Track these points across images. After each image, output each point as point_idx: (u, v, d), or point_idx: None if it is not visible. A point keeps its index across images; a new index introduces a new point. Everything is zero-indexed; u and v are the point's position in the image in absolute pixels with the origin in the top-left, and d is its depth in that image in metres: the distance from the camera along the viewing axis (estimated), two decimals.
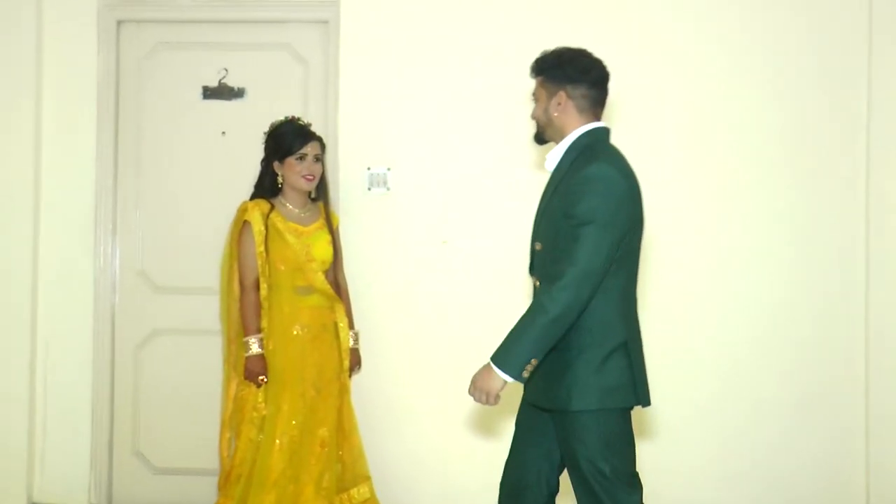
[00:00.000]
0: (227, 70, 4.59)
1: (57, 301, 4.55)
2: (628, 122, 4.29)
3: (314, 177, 4.04)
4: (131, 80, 4.62)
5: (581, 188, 2.82)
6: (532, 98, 3.07)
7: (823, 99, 4.44)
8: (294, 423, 3.96)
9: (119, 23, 4.59)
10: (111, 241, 4.60)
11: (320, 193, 4.14)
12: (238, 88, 4.59)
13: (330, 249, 4.10)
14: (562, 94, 2.96)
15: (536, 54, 3.04)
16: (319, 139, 4.08)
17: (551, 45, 4.31)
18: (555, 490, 3.07)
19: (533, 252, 3.05)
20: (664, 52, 4.44)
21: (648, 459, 4.43)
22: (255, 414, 3.98)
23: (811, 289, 4.44)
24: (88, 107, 4.56)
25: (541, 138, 3.07)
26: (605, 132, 3.00)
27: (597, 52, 3.03)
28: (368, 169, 4.48)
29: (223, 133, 4.59)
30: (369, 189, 4.48)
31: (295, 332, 4.00)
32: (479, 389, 2.85)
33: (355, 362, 4.18)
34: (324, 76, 4.55)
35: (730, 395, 4.44)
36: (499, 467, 4.43)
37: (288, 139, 4.00)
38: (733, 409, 4.45)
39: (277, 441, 3.93)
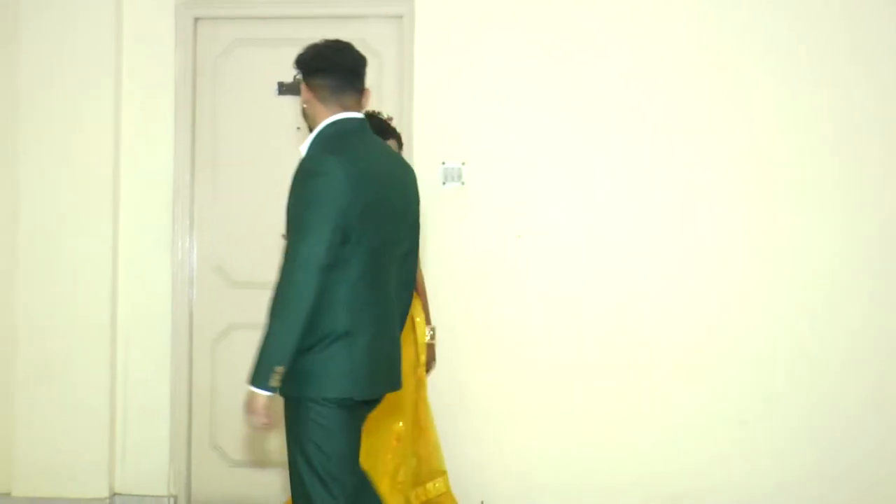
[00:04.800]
0: None
1: (135, 296, 4.62)
2: (692, 123, 4.26)
3: None
4: (208, 77, 4.68)
5: (295, 179, 2.80)
6: None
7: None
8: (370, 416, 3.95)
9: (196, 20, 4.65)
10: (188, 237, 4.66)
11: None
12: None
13: None
14: (304, 86, 2.95)
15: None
16: (397, 136, 4.05)
17: (620, 44, 4.32)
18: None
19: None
20: (731, 52, 4.39)
21: (719, 453, 4.39)
22: None
23: (871, 280, 4.37)
24: (166, 104, 4.63)
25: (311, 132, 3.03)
26: (352, 122, 2.92)
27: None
28: (443, 163, 4.48)
29: (298, 128, 4.61)
30: (444, 184, 4.48)
31: None
32: (248, 414, 2.75)
33: (431, 358, 4.16)
34: (398, 71, 4.56)
35: (793, 388, 4.38)
36: (577, 465, 4.46)
37: None
38: (797, 403, 4.38)
39: None
